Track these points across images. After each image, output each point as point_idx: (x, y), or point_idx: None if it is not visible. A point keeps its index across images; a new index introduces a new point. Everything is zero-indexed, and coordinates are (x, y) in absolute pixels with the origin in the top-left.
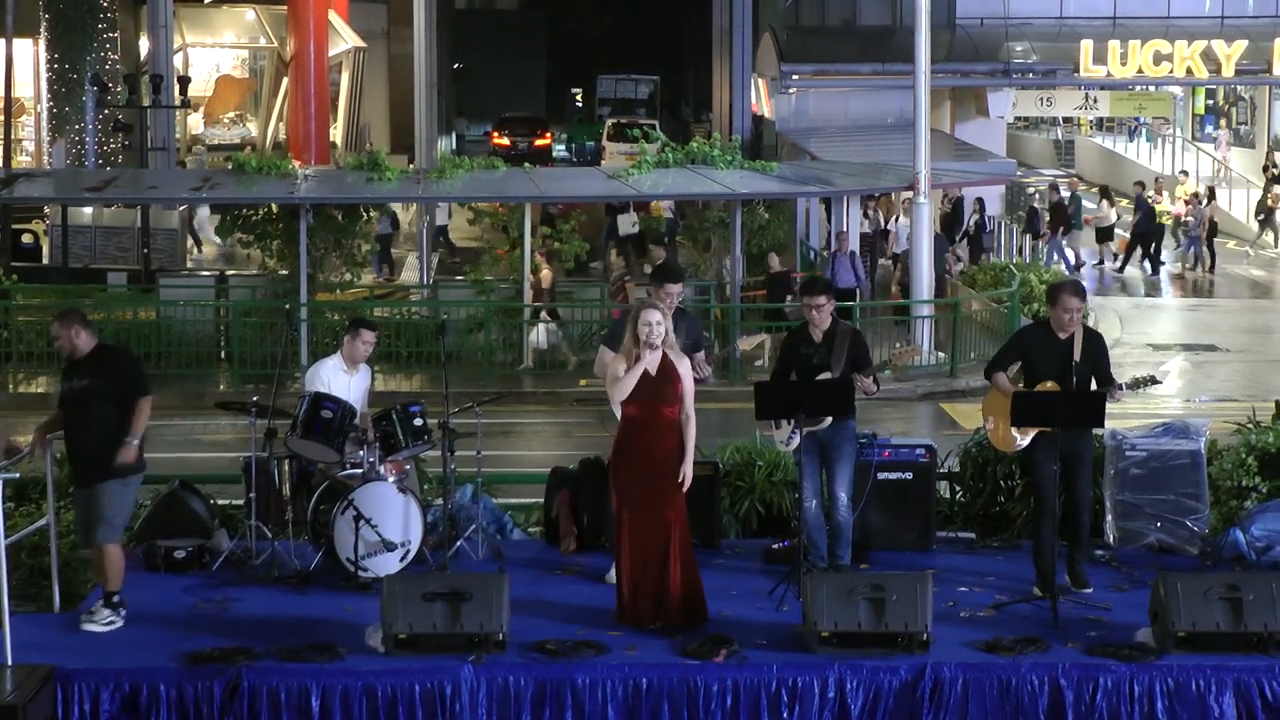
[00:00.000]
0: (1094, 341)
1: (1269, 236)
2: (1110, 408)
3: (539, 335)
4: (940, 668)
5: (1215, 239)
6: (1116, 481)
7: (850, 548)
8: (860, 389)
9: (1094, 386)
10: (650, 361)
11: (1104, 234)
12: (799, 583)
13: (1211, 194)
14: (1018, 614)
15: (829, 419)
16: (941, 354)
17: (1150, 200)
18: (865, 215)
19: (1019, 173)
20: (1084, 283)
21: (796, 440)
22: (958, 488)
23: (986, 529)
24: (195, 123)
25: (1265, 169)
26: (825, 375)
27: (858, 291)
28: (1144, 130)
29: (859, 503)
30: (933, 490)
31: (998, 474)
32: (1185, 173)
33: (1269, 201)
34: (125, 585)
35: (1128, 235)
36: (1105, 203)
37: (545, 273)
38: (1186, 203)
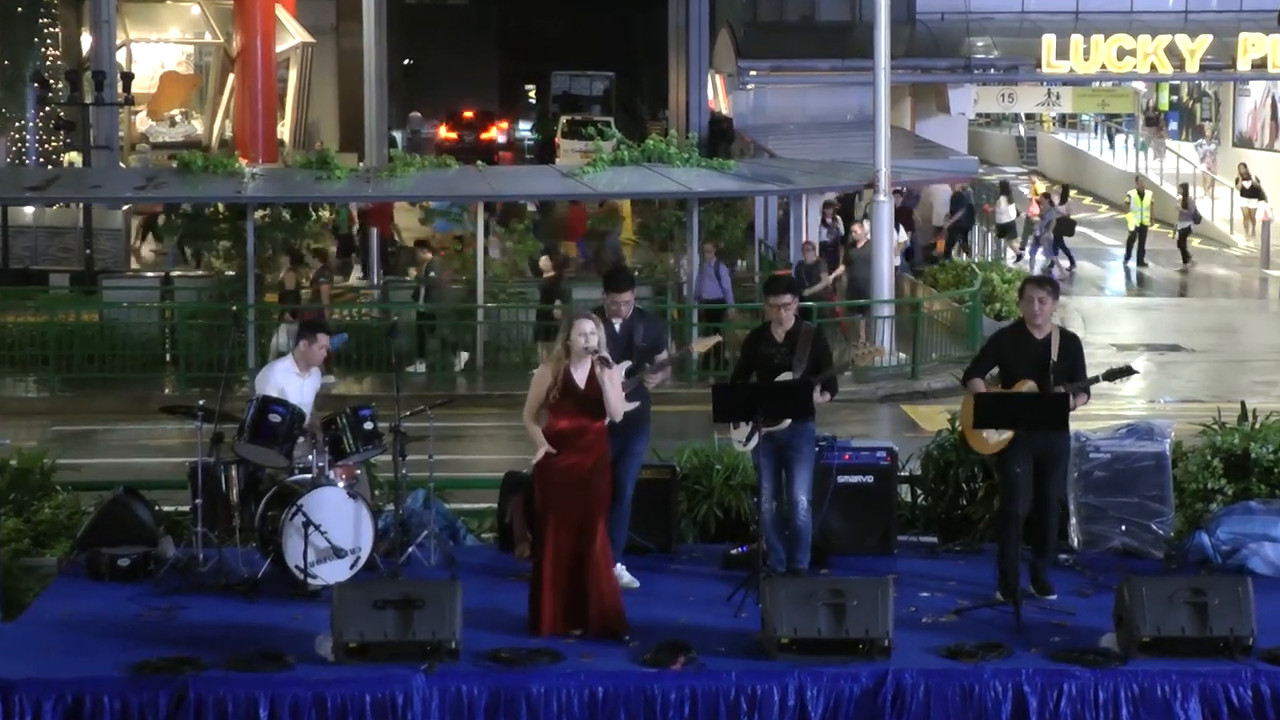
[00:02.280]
0: (1070, 342)
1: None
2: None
3: (280, 336)
4: (902, 674)
5: (1067, 237)
6: (1080, 484)
7: (809, 552)
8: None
9: None
10: (579, 373)
11: (1004, 230)
12: (758, 588)
13: (1065, 194)
14: (980, 619)
15: (788, 420)
16: (903, 355)
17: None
18: (824, 223)
19: (980, 170)
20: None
21: (755, 441)
22: (919, 491)
23: (948, 533)
24: (139, 120)
25: (1237, 180)
26: (786, 376)
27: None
28: (1138, 138)
29: (821, 507)
30: (894, 494)
31: (960, 477)
32: (1038, 172)
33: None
34: (69, 593)
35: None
36: (1004, 199)
37: (289, 273)
38: (1037, 202)
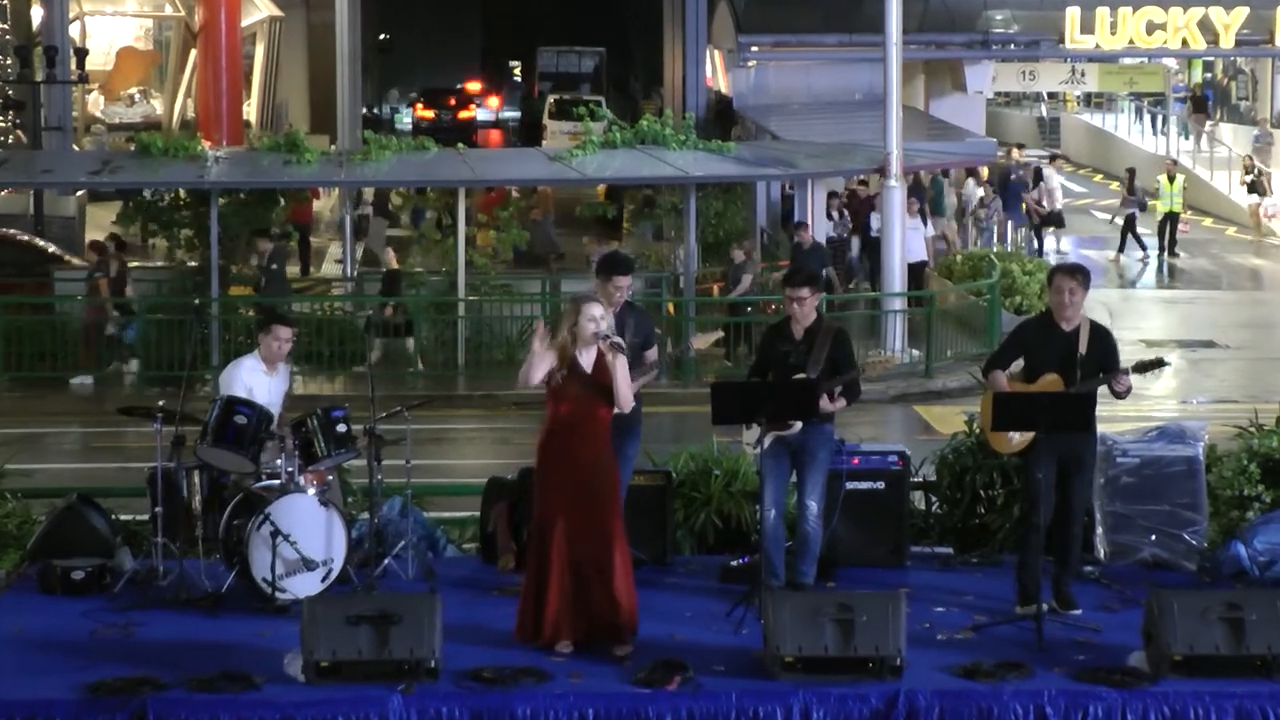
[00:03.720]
0: (1102, 336)
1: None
2: (1099, 410)
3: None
4: (915, 695)
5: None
6: (1107, 491)
7: (815, 564)
8: (820, 406)
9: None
10: (585, 359)
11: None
12: (759, 603)
13: (1037, 179)
14: (999, 636)
15: (799, 424)
16: (915, 352)
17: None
18: (830, 216)
19: (999, 153)
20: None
21: (765, 444)
22: (933, 498)
23: (965, 543)
24: (94, 100)
25: (1244, 173)
26: (802, 377)
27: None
28: (1168, 119)
29: (832, 517)
30: (906, 501)
31: (977, 483)
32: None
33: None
34: (19, 609)
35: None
36: (972, 180)
37: (114, 258)
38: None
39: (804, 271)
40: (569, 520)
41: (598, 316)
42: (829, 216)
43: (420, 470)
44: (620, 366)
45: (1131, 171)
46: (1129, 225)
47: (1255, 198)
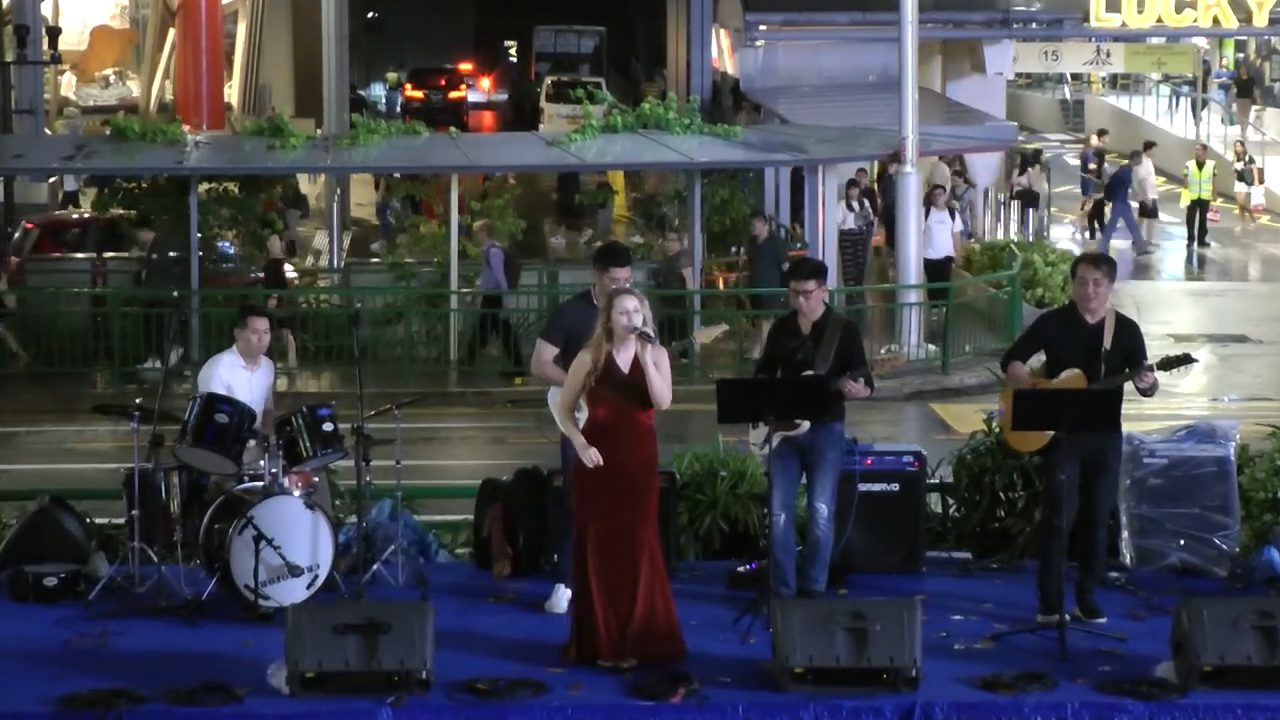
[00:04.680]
0: (1128, 329)
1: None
2: (1125, 408)
3: None
4: (931, 708)
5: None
6: (1133, 493)
7: (826, 570)
8: (845, 392)
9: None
10: (622, 357)
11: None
12: (768, 611)
13: (1025, 163)
14: (1019, 646)
15: (806, 423)
16: (932, 347)
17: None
18: (850, 207)
19: (1020, 137)
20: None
21: (773, 446)
22: (950, 501)
23: (984, 548)
24: (67, 81)
25: (1235, 159)
26: (810, 373)
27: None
28: (1228, 111)
29: (846, 523)
30: (922, 504)
31: (997, 485)
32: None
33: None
34: None
35: None
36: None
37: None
38: (952, 177)
39: (810, 263)
40: (605, 531)
41: (631, 310)
42: (849, 207)
43: (411, 471)
44: (651, 359)
45: (1101, 154)
46: (1097, 213)
47: (1243, 186)
